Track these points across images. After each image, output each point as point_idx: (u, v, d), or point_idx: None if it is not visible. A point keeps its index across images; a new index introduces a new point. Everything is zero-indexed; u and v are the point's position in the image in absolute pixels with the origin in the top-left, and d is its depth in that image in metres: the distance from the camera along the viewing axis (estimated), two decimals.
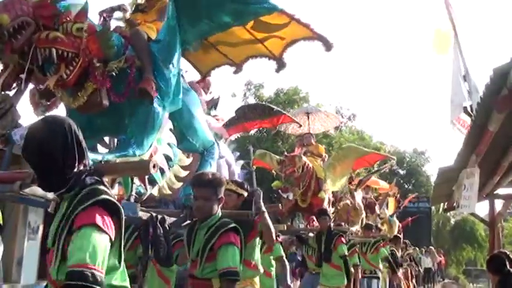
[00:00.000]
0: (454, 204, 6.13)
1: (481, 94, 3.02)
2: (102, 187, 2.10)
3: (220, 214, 3.43)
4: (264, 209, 4.53)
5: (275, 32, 4.29)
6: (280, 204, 6.11)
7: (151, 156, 3.83)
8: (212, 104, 6.73)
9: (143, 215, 3.81)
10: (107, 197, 2.05)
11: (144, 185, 3.85)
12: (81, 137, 2.14)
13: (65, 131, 2.08)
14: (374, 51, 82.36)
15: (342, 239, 7.19)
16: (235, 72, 4.71)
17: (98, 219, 1.95)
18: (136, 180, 3.89)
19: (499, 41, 69.84)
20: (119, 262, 2.11)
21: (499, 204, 6.89)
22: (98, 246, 1.91)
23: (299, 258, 10.50)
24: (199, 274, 3.33)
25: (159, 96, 3.78)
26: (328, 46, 4.23)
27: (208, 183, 3.37)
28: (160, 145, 4.01)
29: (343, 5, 79.52)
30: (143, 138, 3.74)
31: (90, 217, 1.95)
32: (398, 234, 12.96)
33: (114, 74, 3.61)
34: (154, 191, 4.41)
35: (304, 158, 8.78)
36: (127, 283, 2.14)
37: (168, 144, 4.25)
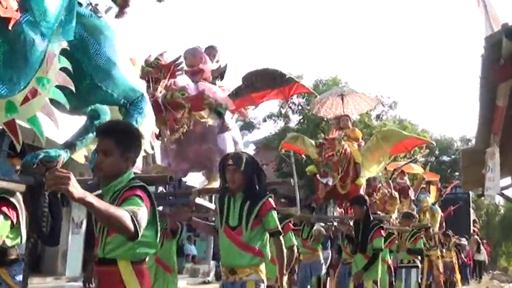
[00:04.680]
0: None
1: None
2: None
3: (131, 176, 2.70)
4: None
5: None
6: (292, 180, 5.65)
7: (26, 99, 2.97)
8: (218, 74, 6.10)
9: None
10: None
11: (15, 137, 3.05)
12: None
13: None
14: (415, 33, 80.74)
15: (382, 231, 6.90)
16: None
17: None
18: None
19: None
20: None
21: None
22: None
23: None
24: (101, 253, 2.61)
25: (32, 19, 2.83)
26: None
27: (108, 132, 2.67)
28: (43, 88, 3.05)
29: None
30: (11, 74, 2.81)
31: None
32: (430, 225, 12.62)
33: None
34: (79, 157, 3.86)
35: (343, 142, 8.49)
36: None
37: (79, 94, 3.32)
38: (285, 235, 5.60)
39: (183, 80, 5.24)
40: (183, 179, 5.51)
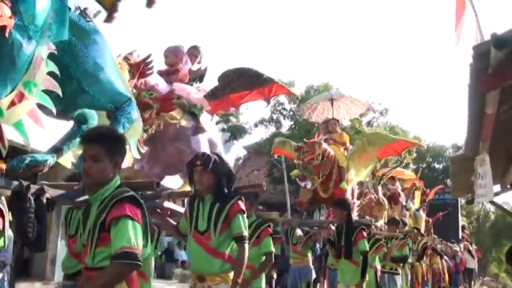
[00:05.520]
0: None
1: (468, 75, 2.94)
2: None
3: (118, 183, 2.71)
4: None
5: None
6: (264, 184, 5.25)
7: (13, 103, 2.91)
8: (197, 75, 5.84)
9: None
10: None
11: (1, 141, 3.01)
12: None
13: None
14: (407, 41, 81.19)
15: (364, 233, 6.80)
16: (148, 5, 3.88)
17: None
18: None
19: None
20: None
21: None
22: None
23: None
24: (90, 263, 2.59)
25: (20, 23, 2.79)
26: None
27: (95, 138, 2.68)
28: (30, 92, 2.98)
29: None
30: None
31: None
32: (418, 227, 12.54)
33: None
34: (66, 162, 3.81)
35: (324, 145, 8.27)
36: None
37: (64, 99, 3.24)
38: (263, 240, 5.33)
39: (154, 80, 4.97)
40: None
